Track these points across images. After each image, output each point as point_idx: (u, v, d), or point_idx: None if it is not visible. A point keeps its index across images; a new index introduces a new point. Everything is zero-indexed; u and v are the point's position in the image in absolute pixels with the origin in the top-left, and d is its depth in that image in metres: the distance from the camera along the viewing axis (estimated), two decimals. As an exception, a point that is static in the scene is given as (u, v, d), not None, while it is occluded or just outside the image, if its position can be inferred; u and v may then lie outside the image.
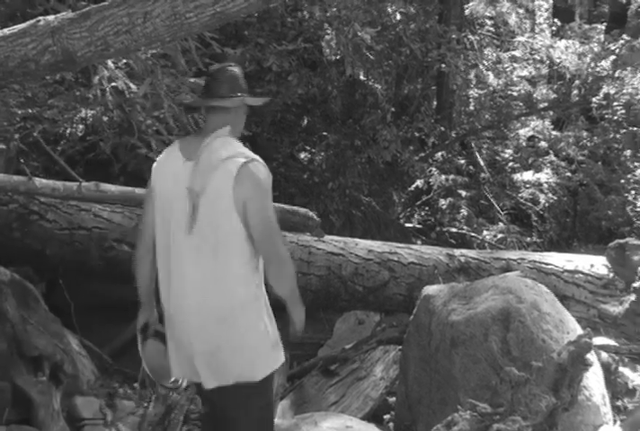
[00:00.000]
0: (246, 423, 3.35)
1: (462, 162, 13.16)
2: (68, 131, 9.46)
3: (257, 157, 3.27)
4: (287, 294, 3.45)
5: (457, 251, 7.00)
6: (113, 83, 6.44)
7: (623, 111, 12.64)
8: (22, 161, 7.38)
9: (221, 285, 3.23)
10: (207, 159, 3.18)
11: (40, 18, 3.62)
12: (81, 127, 9.50)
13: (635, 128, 12.83)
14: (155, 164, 3.42)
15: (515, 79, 14.23)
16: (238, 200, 3.14)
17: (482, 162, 13.40)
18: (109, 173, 8.04)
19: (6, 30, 3.64)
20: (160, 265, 3.37)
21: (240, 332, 3.26)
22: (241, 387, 3.25)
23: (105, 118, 8.57)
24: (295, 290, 3.51)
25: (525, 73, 14.50)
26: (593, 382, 4.35)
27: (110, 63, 6.10)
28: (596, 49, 13.54)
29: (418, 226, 12.39)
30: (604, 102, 12.76)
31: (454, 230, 12.18)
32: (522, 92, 14.19)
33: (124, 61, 6.40)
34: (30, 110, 8.88)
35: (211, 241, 3.19)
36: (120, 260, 6.52)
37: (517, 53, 14.22)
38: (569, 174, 13.52)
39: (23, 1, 10.64)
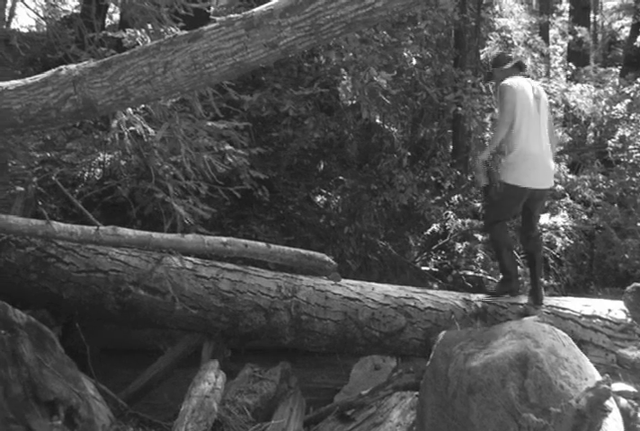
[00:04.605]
0: None
1: (478, 205, 13.16)
2: (86, 175, 9.54)
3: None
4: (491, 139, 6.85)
5: (473, 296, 6.97)
6: (132, 128, 6.48)
7: (639, 154, 12.64)
8: (39, 203, 7.43)
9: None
10: (536, 84, 6.96)
11: (62, 67, 3.67)
12: (99, 170, 9.58)
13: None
14: (513, 84, 6.66)
15: (530, 122, 14.23)
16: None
17: (498, 206, 13.37)
18: (126, 217, 8.08)
19: (28, 79, 3.70)
20: (526, 129, 6.65)
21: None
22: None
23: (123, 163, 8.64)
24: (496, 140, 6.65)
25: (540, 116, 14.50)
26: (613, 428, 4.29)
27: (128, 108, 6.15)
28: (611, 93, 13.59)
29: (434, 270, 12.35)
30: (620, 145, 12.78)
31: (470, 273, 12.14)
32: (538, 135, 14.20)
33: (142, 106, 6.46)
34: (48, 154, 8.97)
35: (542, 121, 6.76)
36: (136, 305, 6.52)
37: (532, 97, 14.23)
38: (585, 217, 13.50)
39: (44, 47, 10.80)
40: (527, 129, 6.65)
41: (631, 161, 12.87)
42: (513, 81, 6.74)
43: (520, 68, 7.04)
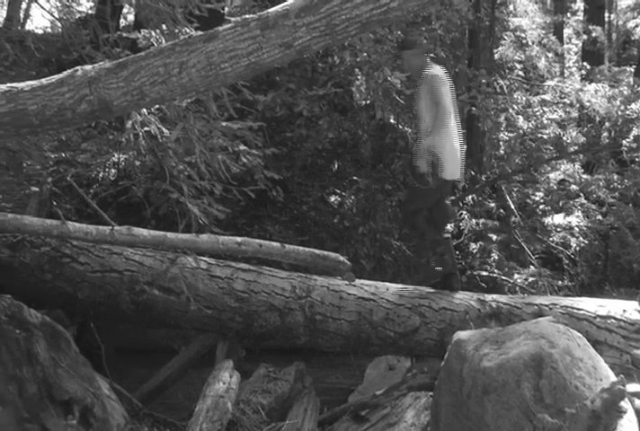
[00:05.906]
0: None
1: (492, 205, 13.13)
2: (101, 175, 9.57)
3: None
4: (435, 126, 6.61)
5: (488, 297, 6.94)
6: (146, 128, 6.49)
7: (654, 154, 12.62)
8: (54, 203, 7.45)
9: None
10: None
11: (78, 68, 3.68)
12: (113, 171, 9.61)
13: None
14: (442, 75, 6.63)
15: (545, 122, 14.21)
16: None
17: (512, 206, 13.36)
18: (141, 217, 8.10)
19: (44, 80, 3.71)
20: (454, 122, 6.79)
21: None
22: None
23: (137, 163, 8.65)
24: (441, 128, 6.59)
25: (555, 116, 14.48)
26: (628, 429, 4.27)
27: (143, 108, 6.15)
28: (625, 92, 13.53)
29: (449, 270, 12.31)
30: (634, 145, 12.73)
31: (485, 273, 12.11)
32: (552, 135, 14.17)
33: (157, 106, 6.47)
34: (63, 154, 8.99)
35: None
36: (150, 305, 6.52)
37: (546, 97, 14.21)
38: (600, 217, 13.46)
39: (58, 47, 10.83)
40: (454, 123, 6.84)
41: (646, 160, 12.87)
42: (439, 71, 6.74)
43: (427, 53, 7.06)
